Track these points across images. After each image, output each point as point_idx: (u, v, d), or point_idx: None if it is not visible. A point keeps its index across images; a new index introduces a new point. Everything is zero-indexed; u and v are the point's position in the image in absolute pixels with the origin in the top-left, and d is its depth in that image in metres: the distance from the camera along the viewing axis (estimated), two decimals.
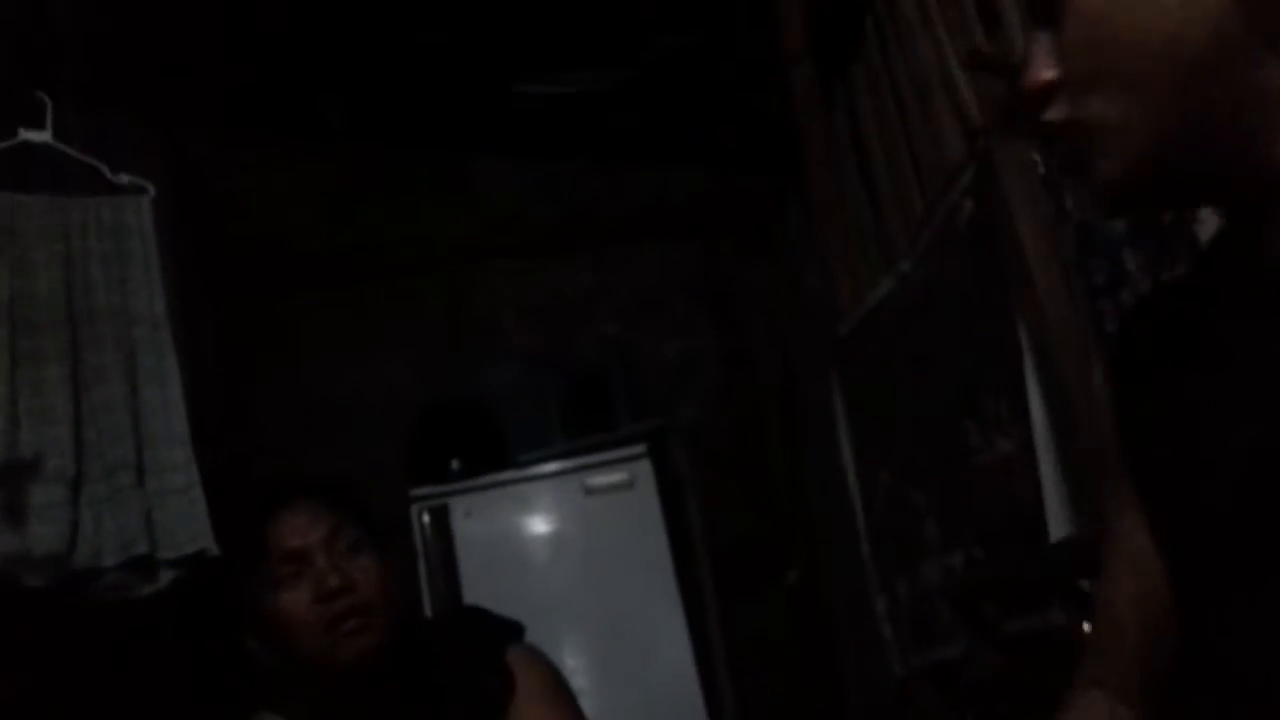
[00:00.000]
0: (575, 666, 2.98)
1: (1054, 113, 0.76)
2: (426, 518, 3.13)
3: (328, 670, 1.40)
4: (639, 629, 3.02)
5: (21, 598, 1.85)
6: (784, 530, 3.64)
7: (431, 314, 3.87)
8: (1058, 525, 1.99)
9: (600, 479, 3.10)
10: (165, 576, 1.94)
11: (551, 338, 3.87)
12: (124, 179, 2.20)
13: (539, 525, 3.16)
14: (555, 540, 3.12)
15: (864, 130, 2.79)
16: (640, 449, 3.20)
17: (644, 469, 3.17)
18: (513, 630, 1.55)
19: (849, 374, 3.07)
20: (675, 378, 3.92)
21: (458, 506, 3.13)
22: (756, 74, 3.04)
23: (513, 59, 3.17)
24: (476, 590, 2.94)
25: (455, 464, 3.30)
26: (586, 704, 3.02)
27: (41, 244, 2.05)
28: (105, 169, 2.19)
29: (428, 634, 1.56)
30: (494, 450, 3.35)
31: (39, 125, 2.13)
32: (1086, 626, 1.80)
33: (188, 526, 1.95)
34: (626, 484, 3.11)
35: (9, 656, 2.03)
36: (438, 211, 3.63)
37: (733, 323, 4.02)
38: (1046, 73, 0.75)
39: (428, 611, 2.85)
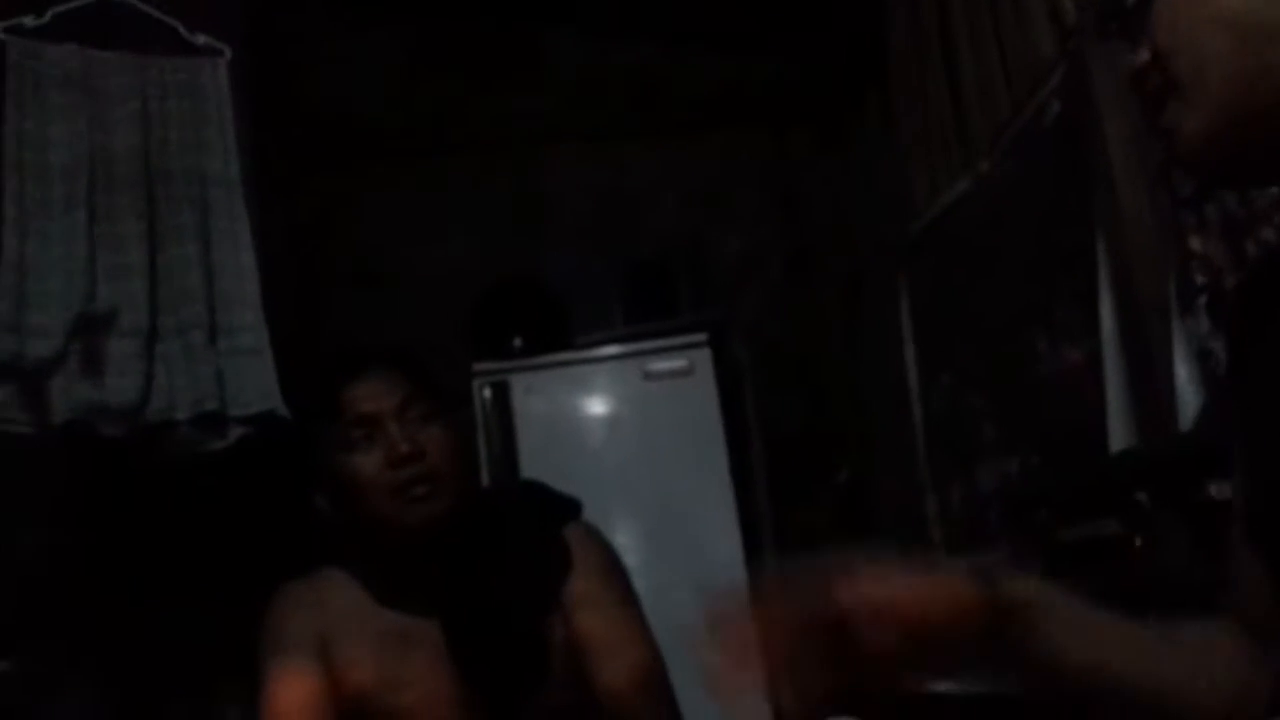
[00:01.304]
0: (625, 545, 3.02)
1: (1153, 81, 0.79)
2: (488, 392, 3.17)
3: (394, 533, 1.44)
4: (690, 515, 3.06)
5: (99, 447, 1.91)
6: (839, 428, 3.64)
7: (498, 191, 3.87)
8: (1118, 438, 1.98)
9: (660, 364, 3.11)
10: (234, 433, 2.00)
11: (617, 222, 3.85)
12: (200, 39, 2.20)
13: (597, 406, 3.19)
14: (613, 422, 3.15)
15: (951, 23, 2.70)
16: (701, 337, 3.20)
17: (703, 357, 3.17)
18: (572, 506, 1.59)
19: (917, 275, 3.04)
20: (739, 270, 3.90)
21: (518, 383, 3.16)
22: None
23: None
24: (534, 466, 2.99)
25: (517, 341, 3.33)
26: (635, 581, 3.10)
27: (119, 101, 2.07)
28: (182, 28, 2.19)
29: (490, 505, 1.59)
30: (555, 330, 3.37)
31: None
32: (1139, 540, 1.80)
33: (257, 386, 2.00)
34: (685, 370, 3.12)
35: (87, 504, 2.11)
36: (507, 87, 3.59)
37: (801, 217, 3.97)
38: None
39: (486, 483, 2.91)
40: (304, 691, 1.43)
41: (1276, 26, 0.72)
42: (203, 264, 2.05)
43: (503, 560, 1.50)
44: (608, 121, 3.83)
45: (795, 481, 3.50)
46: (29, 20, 2.06)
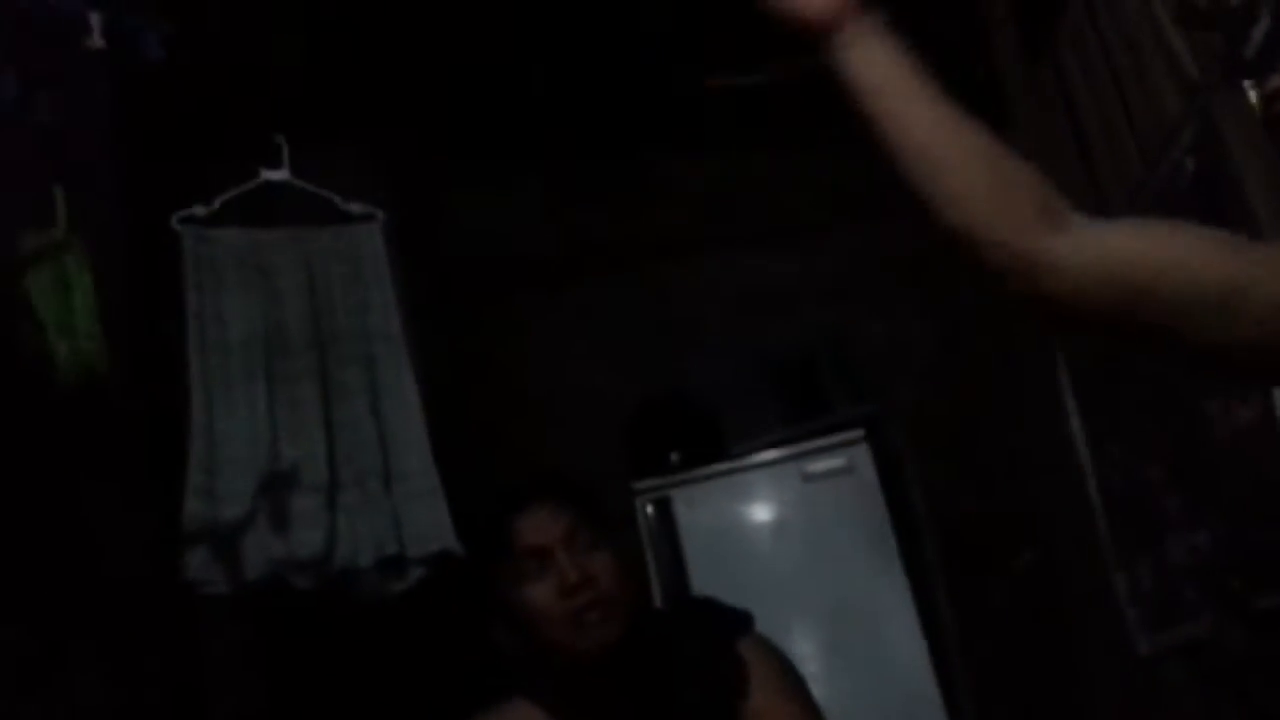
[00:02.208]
0: (803, 653, 3.00)
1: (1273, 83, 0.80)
2: (651, 509, 3.21)
3: (571, 659, 1.47)
4: (866, 613, 3.01)
5: (292, 599, 2.01)
6: (1010, 509, 3.54)
7: (642, 312, 3.96)
8: None
9: (818, 465, 3.10)
10: (414, 574, 2.08)
11: (759, 326, 3.88)
12: (354, 207, 2.36)
13: (760, 513, 3.19)
14: (777, 527, 3.15)
15: (1072, 88, 2.69)
16: (857, 433, 3.19)
17: (862, 452, 3.15)
18: (744, 619, 1.59)
19: (1072, 344, 2.97)
20: (888, 359, 3.87)
21: (680, 498, 3.19)
22: (958, 41, 2.96)
23: (701, 55, 3.20)
24: (702, 578, 3.00)
25: (675, 456, 3.37)
26: (816, 690, 3.04)
27: (288, 274, 2.22)
28: (337, 199, 2.35)
29: (662, 623, 1.61)
30: (711, 441, 3.40)
31: (276, 164, 2.31)
32: None
33: (432, 527, 2.08)
34: (845, 469, 3.10)
35: (284, 653, 2.21)
36: (641, 211, 3.71)
37: (945, 300, 3.93)
38: None
39: (657, 601, 2.93)
40: None
41: None
42: (373, 415, 2.17)
43: (680, 678, 1.51)
44: (741, 230, 3.90)
45: (972, 566, 3.41)
46: (200, 209, 2.25)
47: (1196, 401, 2.25)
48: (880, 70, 1.00)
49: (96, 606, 1.78)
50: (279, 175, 2.29)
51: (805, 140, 3.66)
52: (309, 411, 2.10)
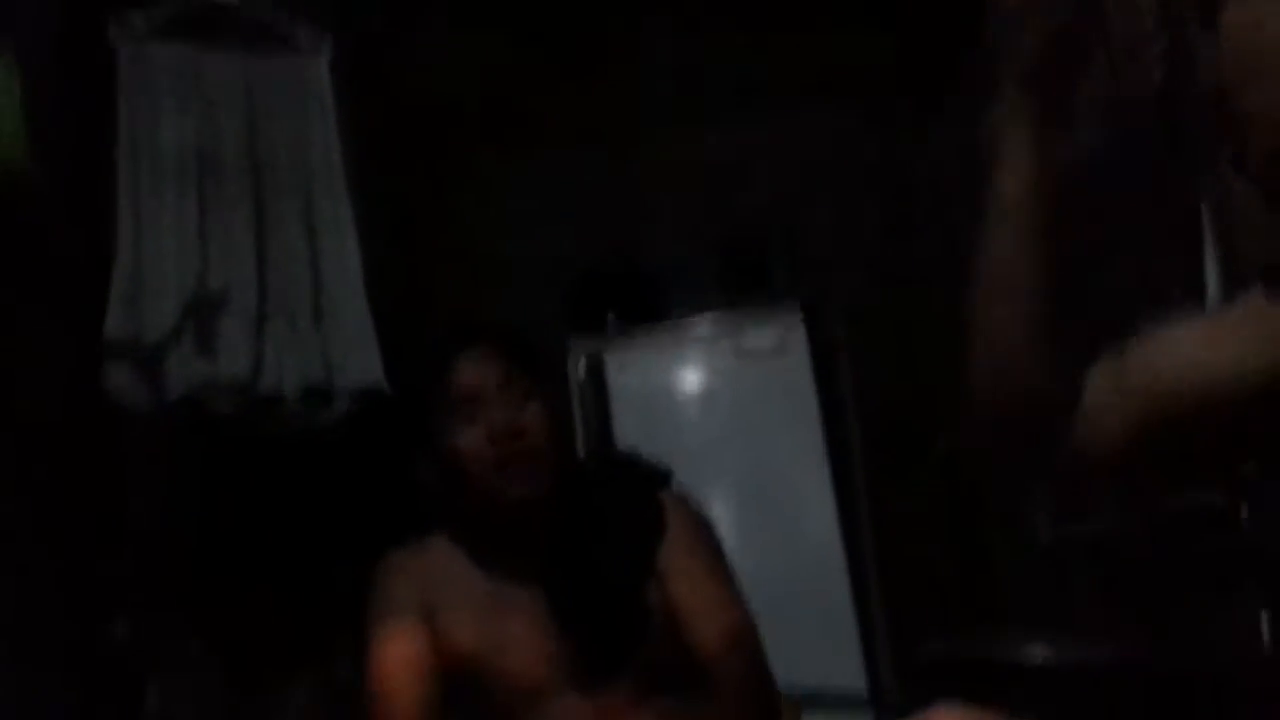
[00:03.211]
0: (718, 520, 3.03)
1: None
2: (583, 367, 3.22)
3: (494, 506, 1.49)
4: (785, 492, 3.07)
5: (211, 423, 2.00)
6: (935, 403, 3.60)
7: (597, 176, 3.91)
8: None
9: (753, 341, 3.12)
10: (340, 407, 2.08)
11: (713, 202, 3.86)
12: (302, 38, 2.28)
13: (691, 383, 3.21)
14: (706, 398, 3.18)
15: None
16: (795, 315, 3.20)
17: (798, 334, 3.17)
18: (664, 475, 1.63)
19: None
20: (835, 246, 3.87)
21: (613, 359, 3.20)
22: None
23: None
24: (628, 440, 3.02)
25: (611, 318, 3.36)
26: (730, 555, 3.12)
27: (227, 97, 2.15)
28: (285, 24, 2.27)
29: (586, 475, 1.63)
30: (650, 307, 3.40)
31: None
32: (1244, 512, 1.76)
33: (361, 364, 2.08)
34: (779, 348, 3.12)
35: (202, 478, 2.21)
36: (604, 75, 3.63)
37: (899, 190, 3.93)
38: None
39: (581, 455, 2.96)
40: (409, 651, 1.49)
41: None
42: (308, 250, 2.14)
43: (600, 526, 1.55)
44: (703, 103, 3.85)
45: (892, 456, 3.48)
46: (140, 20, 2.15)
47: (1133, 317, 2.28)
48: (1026, 170, 0.94)
49: (16, 420, 1.75)
50: None
51: (776, 16, 3.60)
52: (241, 238, 2.06)
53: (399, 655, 1.50)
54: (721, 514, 3.02)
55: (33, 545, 1.71)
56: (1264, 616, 1.77)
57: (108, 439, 1.98)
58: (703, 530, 1.61)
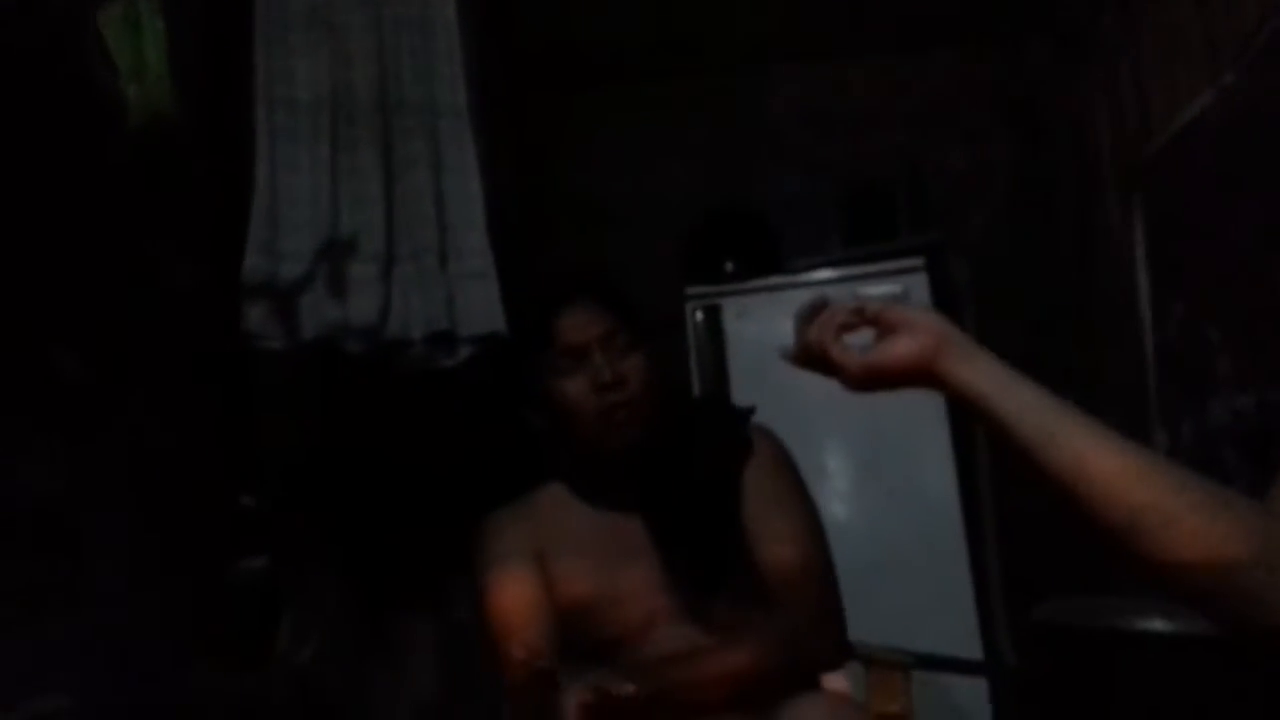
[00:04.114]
0: (834, 469, 3.06)
1: None
2: (700, 316, 3.22)
3: (597, 451, 1.58)
4: (903, 443, 3.04)
5: (343, 362, 2.07)
6: (1064, 357, 3.51)
7: (718, 117, 3.87)
8: None
9: (873, 289, 3.07)
10: (463, 352, 2.12)
11: (837, 144, 3.80)
12: None
13: None
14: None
15: None
16: (917, 261, 3.14)
17: (919, 282, 3.11)
18: (746, 411, 1.71)
19: (1154, 195, 2.88)
20: (964, 191, 3.78)
21: (730, 307, 3.19)
22: None
23: None
24: (744, 388, 3.02)
25: (730, 265, 3.35)
26: (844, 507, 3.12)
27: (358, 36, 2.18)
28: None
29: (682, 417, 1.68)
30: (769, 255, 3.37)
31: None
32: None
33: (483, 308, 2.11)
34: (900, 296, 3.07)
35: (334, 414, 2.29)
36: (728, 11, 3.57)
37: (1030, 135, 3.81)
38: None
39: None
40: (526, 591, 1.57)
41: None
42: (434, 191, 2.16)
43: (692, 458, 1.62)
44: (830, 41, 3.76)
45: None
46: None
47: (1271, 267, 2.19)
48: (1002, 383, 0.97)
49: (158, 351, 1.83)
50: None
51: None
52: (370, 181, 2.10)
53: (518, 592, 1.57)
54: (837, 464, 3.04)
55: (174, 480, 1.80)
56: None
57: (245, 377, 2.06)
58: (783, 461, 1.67)
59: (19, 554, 1.45)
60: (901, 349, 1.01)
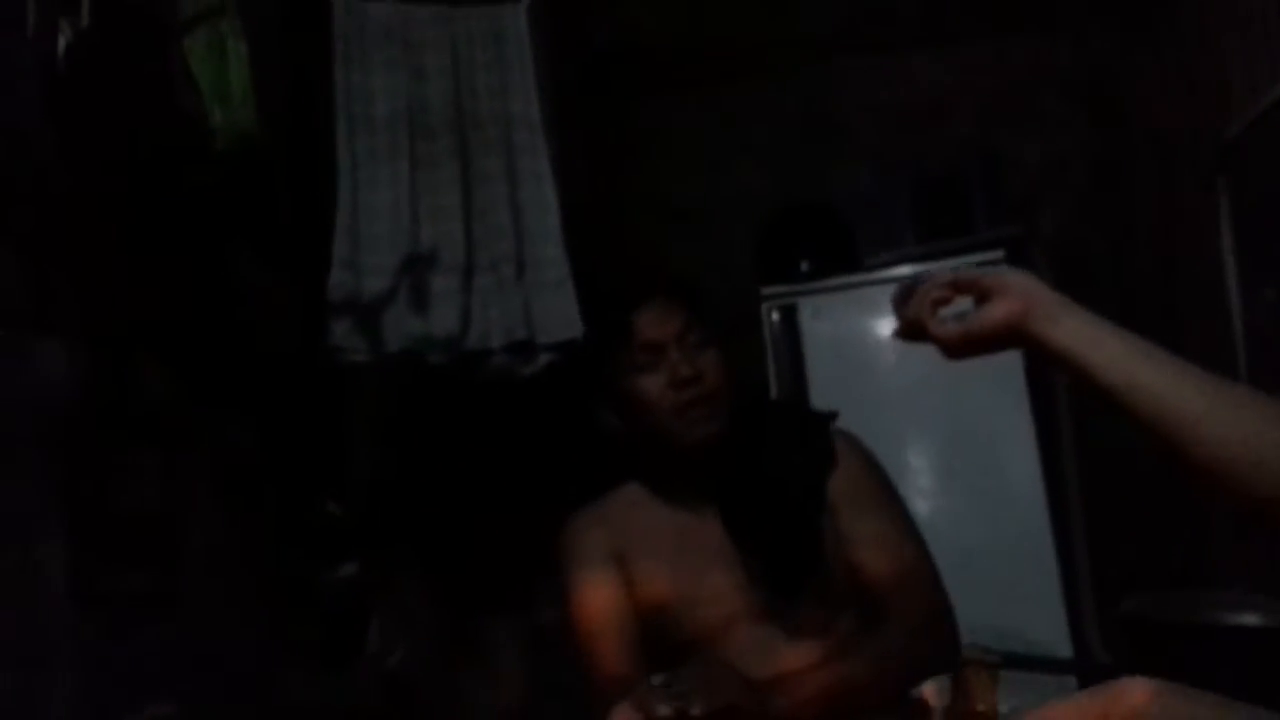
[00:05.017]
0: (917, 467, 3.03)
1: None
2: (776, 316, 3.22)
3: (675, 447, 1.57)
4: (985, 439, 3.00)
5: (427, 373, 2.11)
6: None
7: (787, 115, 3.87)
8: None
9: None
10: (542, 360, 2.15)
11: (909, 138, 3.76)
12: None
13: (885, 329, 3.15)
14: (901, 344, 3.12)
15: None
16: (996, 255, 3.10)
17: None
18: (828, 415, 1.69)
19: (1239, 179, 2.81)
20: (1040, 181, 3.73)
21: (806, 306, 3.18)
22: None
23: None
24: (822, 388, 3.02)
25: (804, 265, 3.34)
26: (927, 505, 3.08)
27: (433, 53, 2.22)
28: None
29: (758, 418, 1.68)
30: (843, 252, 3.36)
31: None
32: None
33: (561, 316, 2.14)
34: (1001, 263, 3.03)
35: (418, 424, 2.33)
36: (796, 9, 3.56)
37: (1107, 122, 3.74)
38: None
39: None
40: (609, 594, 1.58)
41: None
42: (510, 202, 2.20)
43: (772, 460, 1.61)
44: (898, 34, 3.73)
45: (1101, 409, 3.35)
46: None
47: None
48: (1088, 339, 1.00)
49: (247, 365, 1.89)
50: None
51: None
52: (448, 194, 2.14)
53: (601, 598, 1.58)
54: (919, 463, 3.01)
55: (265, 491, 1.85)
56: None
57: (333, 390, 2.11)
58: (872, 465, 1.65)
59: (120, 565, 1.50)
60: (995, 314, 1.04)
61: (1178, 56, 3.20)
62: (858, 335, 3.15)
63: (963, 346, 1.07)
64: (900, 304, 1.14)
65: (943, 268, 1.13)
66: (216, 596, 1.68)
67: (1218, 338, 2.92)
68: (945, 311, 1.09)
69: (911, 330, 1.12)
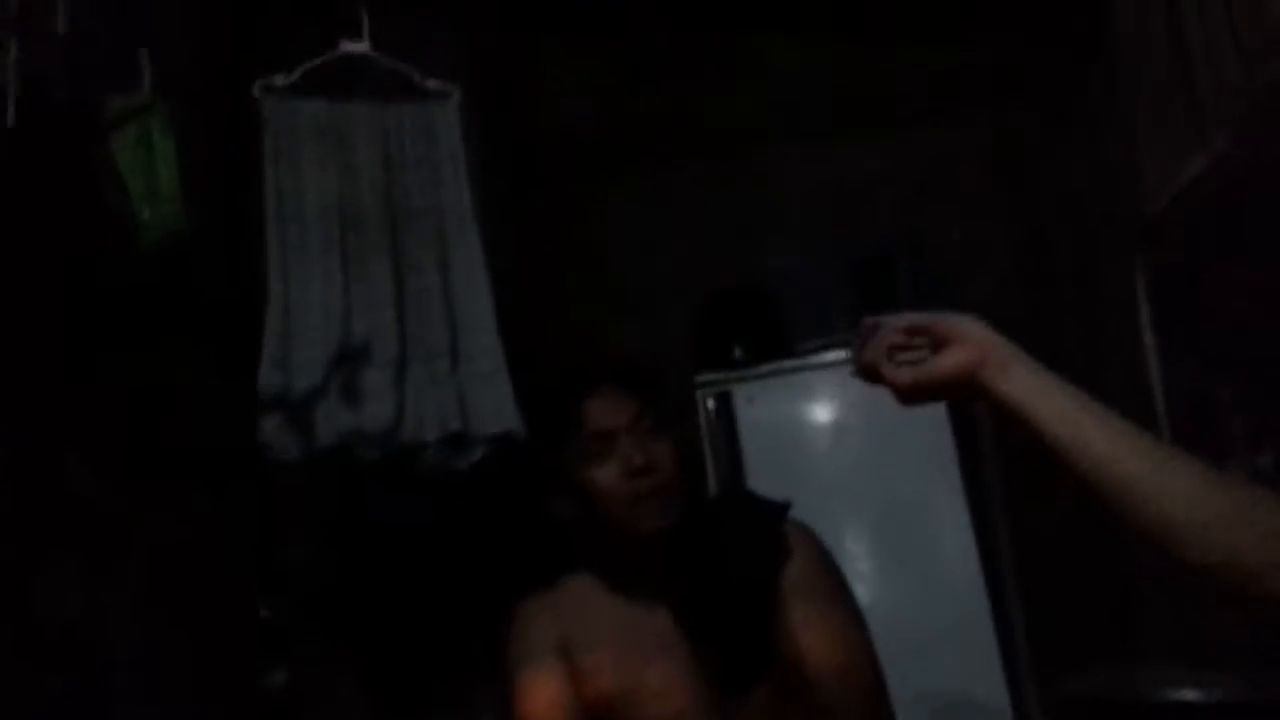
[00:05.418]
0: (854, 553, 3.03)
1: None
2: (711, 403, 3.23)
3: (628, 538, 1.55)
4: (921, 520, 3.02)
5: (359, 469, 2.08)
6: None
7: (721, 198, 3.93)
8: None
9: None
10: (476, 452, 2.14)
11: (837, 222, 3.84)
12: (432, 82, 2.35)
13: (821, 412, 3.19)
14: (837, 427, 3.15)
15: None
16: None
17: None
18: (784, 505, 1.67)
19: (1156, 256, 2.90)
20: (965, 260, 3.81)
21: (740, 392, 3.20)
22: None
23: None
24: (760, 474, 3.02)
25: (738, 351, 3.37)
26: (864, 590, 3.07)
27: (365, 148, 2.23)
28: (415, 74, 2.34)
29: (711, 508, 1.67)
30: (776, 337, 3.39)
31: (357, 36, 2.30)
32: None
33: (496, 407, 2.13)
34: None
35: (349, 523, 2.30)
36: (725, 94, 3.64)
37: (1027, 204, 3.85)
38: None
39: (712, 492, 2.97)
40: (553, 691, 1.55)
41: None
42: (443, 294, 2.19)
43: (725, 554, 1.59)
44: (827, 120, 3.82)
45: (1032, 482, 3.39)
46: (281, 79, 2.25)
47: (1274, 322, 2.20)
48: (1035, 392, 1.01)
49: (176, 465, 1.85)
50: (359, 47, 2.28)
51: (902, 31, 3.56)
52: (381, 287, 2.13)
53: (544, 696, 1.55)
54: (857, 548, 3.03)
55: (194, 595, 1.80)
56: None
57: (262, 489, 2.08)
58: (824, 558, 1.64)
59: (41, 673, 1.45)
60: (948, 363, 1.05)
61: (1093, 138, 3.31)
62: (793, 420, 3.17)
63: (915, 393, 1.08)
64: (859, 346, 1.15)
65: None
66: (143, 705, 1.62)
67: (1142, 415, 2.99)
68: (902, 357, 1.10)
69: (868, 373, 1.13)
